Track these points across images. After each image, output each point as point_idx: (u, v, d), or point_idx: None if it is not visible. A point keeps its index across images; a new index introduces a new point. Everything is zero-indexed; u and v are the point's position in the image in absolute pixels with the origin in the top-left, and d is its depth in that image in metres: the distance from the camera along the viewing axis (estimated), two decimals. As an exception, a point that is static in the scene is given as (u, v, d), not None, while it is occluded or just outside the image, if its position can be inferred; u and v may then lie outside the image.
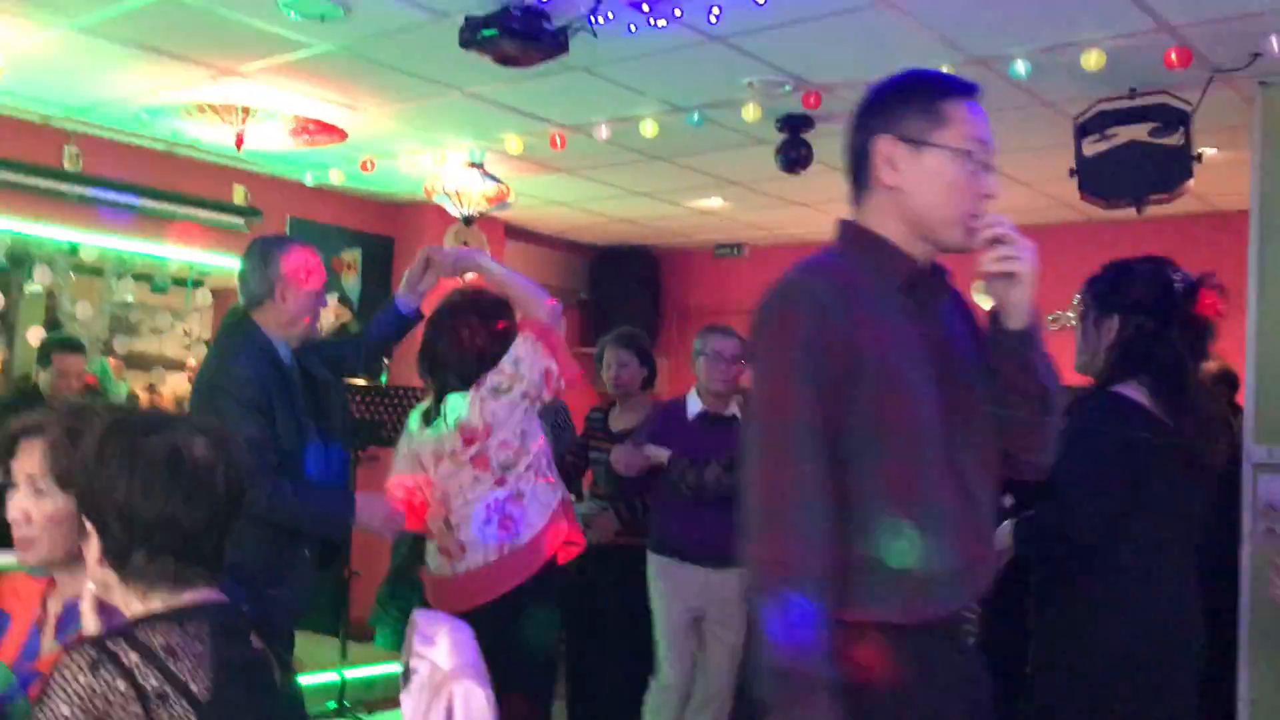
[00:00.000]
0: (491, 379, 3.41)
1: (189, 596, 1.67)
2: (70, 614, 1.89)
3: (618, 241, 9.15)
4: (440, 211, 7.12)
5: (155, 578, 1.66)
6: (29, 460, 1.94)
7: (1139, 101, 4.83)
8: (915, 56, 4.60)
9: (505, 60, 4.30)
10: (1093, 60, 4.37)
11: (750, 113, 5.25)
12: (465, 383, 3.45)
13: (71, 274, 6.55)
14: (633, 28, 4.20)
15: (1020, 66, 4.53)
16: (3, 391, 5.98)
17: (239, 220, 7.18)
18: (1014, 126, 5.48)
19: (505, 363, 3.41)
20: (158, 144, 6.62)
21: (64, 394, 5.44)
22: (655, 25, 4.13)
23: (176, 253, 6.95)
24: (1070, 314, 7.66)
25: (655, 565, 4.59)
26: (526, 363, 3.40)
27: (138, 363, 7.12)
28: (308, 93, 5.46)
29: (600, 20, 4.08)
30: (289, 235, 3.70)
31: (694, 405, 4.66)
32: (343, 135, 5.98)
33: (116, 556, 1.65)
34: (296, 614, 3.32)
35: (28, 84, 5.50)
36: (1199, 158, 4.74)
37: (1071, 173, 5.00)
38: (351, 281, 7.92)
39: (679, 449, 4.48)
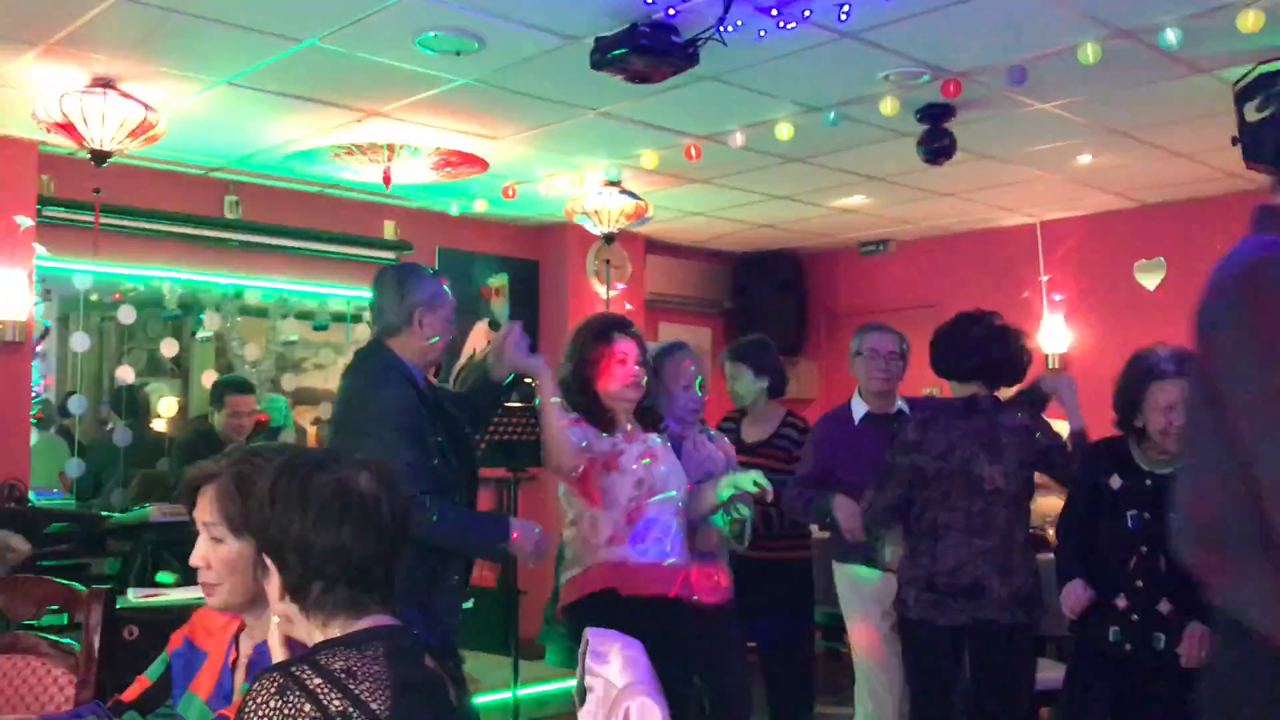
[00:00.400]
0: None
1: (365, 622, 1.73)
2: (261, 655, 1.96)
3: (760, 247, 9.09)
4: (581, 231, 7.21)
5: (333, 607, 1.72)
6: (204, 508, 2.03)
7: (1304, 59, 4.56)
8: (1057, 33, 4.45)
9: (636, 78, 4.33)
10: (1250, 21, 4.14)
11: (888, 107, 5.15)
12: None
13: (238, 317, 6.85)
14: (762, 33, 4.17)
15: (1171, 36, 4.32)
16: (181, 433, 6.28)
17: (391, 254, 7.41)
18: (1167, 97, 5.25)
19: None
20: (310, 186, 6.88)
21: (238, 432, 5.69)
22: (785, 28, 4.09)
23: (334, 290, 7.20)
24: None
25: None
26: None
27: (305, 397, 7.40)
28: (448, 126, 5.59)
29: (729, 29, 4.05)
30: (419, 264, 3.69)
31: (859, 409, 4.53)
32: (484, 165, 6.11)
33: (296, 590, 1.72)
34: (446, 634, 3.34)
35: (187, 139, 5.78)
36: (1378, 113, 4.44)
37: (1234, 141, 4.74)
38: (500, 306, 8.07)
39: (848, 455, 4.35)
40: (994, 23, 4.39)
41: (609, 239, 6.80)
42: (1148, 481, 3.35)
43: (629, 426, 3.62)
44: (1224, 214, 7.29)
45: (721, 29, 4.06)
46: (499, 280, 8.09)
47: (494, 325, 8.03)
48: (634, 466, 3.52)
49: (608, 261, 8.16)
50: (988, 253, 8.42)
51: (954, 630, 3.60)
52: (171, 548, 5.08)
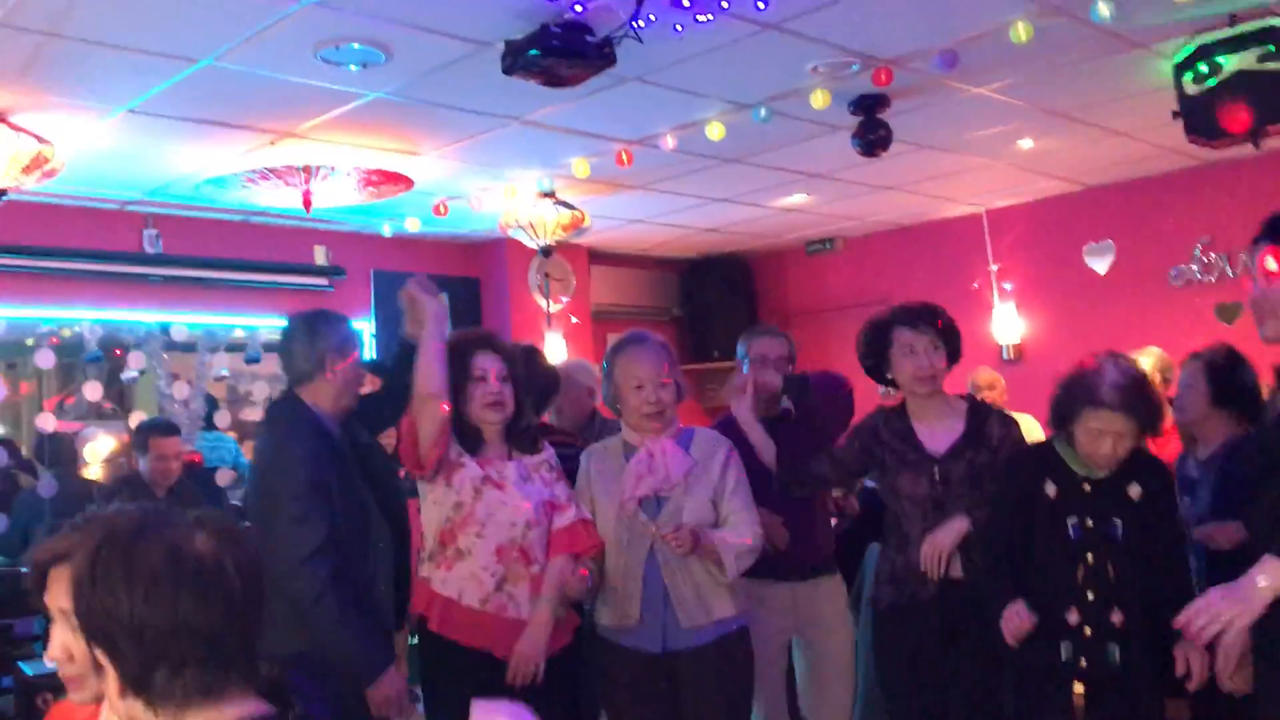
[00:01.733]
0: None
1: (230, 712, 1.49)
2: None
3: (706, 252, 8.91)
4: (521, 245, 6.99)
5: (184, 695, 1.47)
6: (58, 593, 1.77)
7: (1241, 28, 4.44)
8: (986, 10, 4.29)
9: (553, 81, 4.14)
10: (1185, -11, 4.01)
11: (819, 100, 4.97)
12: None
13: (164, 355, 6.58)
14: (679, 27, 3.99)
15: (1104, 8, 4.17)
16: (107, 482, 5.99)
17: (323, 280, 7.17)
18: (1104, 75, 5.11)
19: None
20: (233, 215, 6.63)
21: (164, 476, 5.43)
22: (701, 21, 3.90)
23: (264, 321, 6.94)
24: (1194, 267, 7.18)
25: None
26: None
27: (249, 431, 7.12)
28: (366, 144, 5.37)
29: (643, 24, 3.86)
30: (328, 310, 3.46)
31: None
32: (409, 182, 5.89)
33: (137, 682, 1.46)
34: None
35: (95, 172, 5.53)
36: (1317, 78, 4.32)
37: (1175, 115, 4.62)
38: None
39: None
40: (920, 5, 4.23)
41: (546, 252, 6.59)
42: (1085, 486, 3.13)
43: (496, 449, 3.32)
44: (1170, 191, 7.22)
45: (635, 25, 3.87)
46: (439, 301, 7.84)
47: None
48: (463, 486, 3.21)
49: (548, 275, 7.95)
50: (935, 245, 8.29)
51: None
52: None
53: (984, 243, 8.03)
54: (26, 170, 4.57)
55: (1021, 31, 4.35)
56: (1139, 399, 3.00)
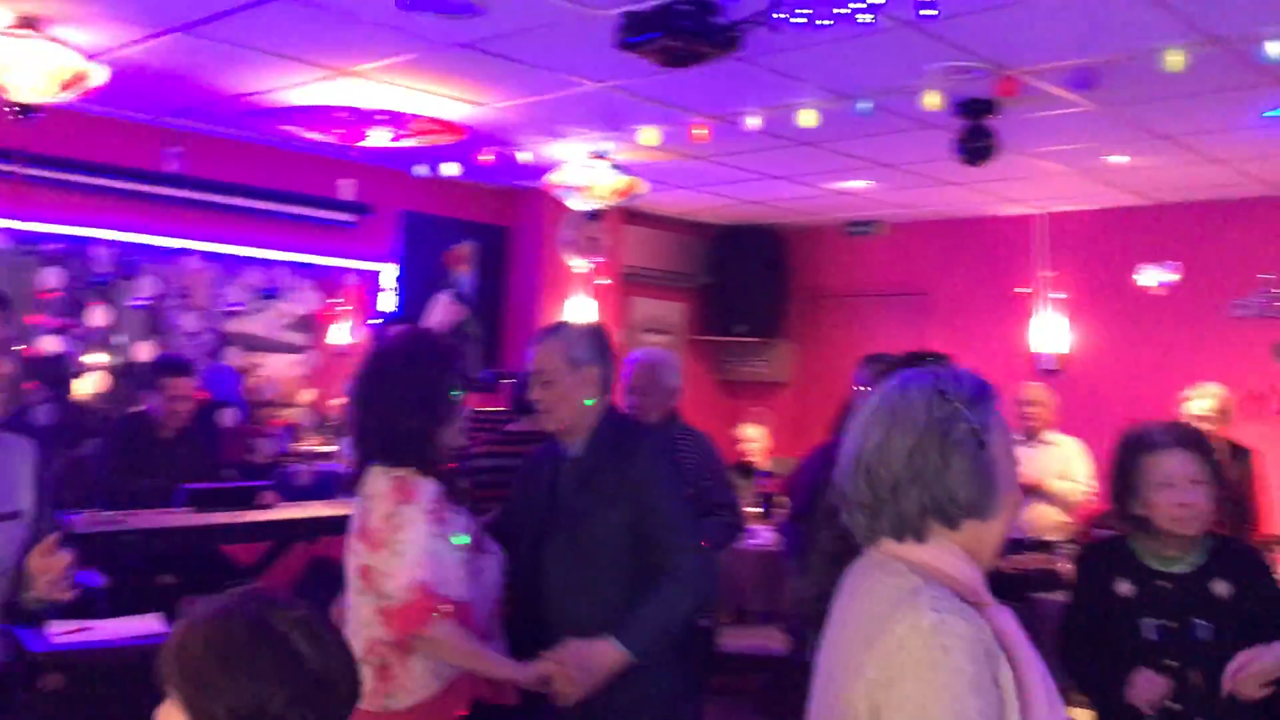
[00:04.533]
0: None
1: None
2: None
3: (740, 221, 8.51)
4: (554, 198, 6.57)
5: None
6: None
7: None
8: (1140, 33, 3.93)
9: (670, 62, 3.73)
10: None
11: (931, 99, 4.61)
12: None
13: (177, 283, 6.14)
14: (824, 22, 3.58)
15: (1272, 49, 3.82)
16: (116, 422, 5.56)
17: (349, 217, 6.73)
18: (1230, 104, 4.77)
19: None
20: (259, 139, 6.16)
21: (176, 419, 5.07)
22: (853, 19, 3.49)
23: (285, 255, 6.52)
24: (1257, 300, 6.89)
25: None
26: None
27: (252, 344, 6.68)
28: (429, 89, 4.94)
29: (786, 17, 3.46)
30: None
31: None
32: (464, 132, 5.46)
33: None
34: None
35: (127, 90, 5.05)
36: None
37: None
38: (465, 275, 7.44)
39: None
40: (1071, 21, 3.86)
41: (594, 216, 6.19)
42: (1164, 583, 2.85)
43: None
44: (1241, 217, 6.92)
45: (775, 16, 3.47)
46: (465, 247, 7.44)
47: (459, 297, 7.42)
48: None
49: (586, 235, 7.54)
50: (982, 241, 7.96)
51: None
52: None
53: (1030, 246, 7.71)
54: (66, 86, 4.12)
55: (1175, 60, 3.99)
56: (1196, 435, 2.80)
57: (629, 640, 2.58)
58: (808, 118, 4.97)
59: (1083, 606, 2.95)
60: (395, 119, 5.10)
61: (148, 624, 3.96)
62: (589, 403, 2.81)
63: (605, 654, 2.57)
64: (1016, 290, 7.73)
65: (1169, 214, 7.18)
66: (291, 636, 1.38)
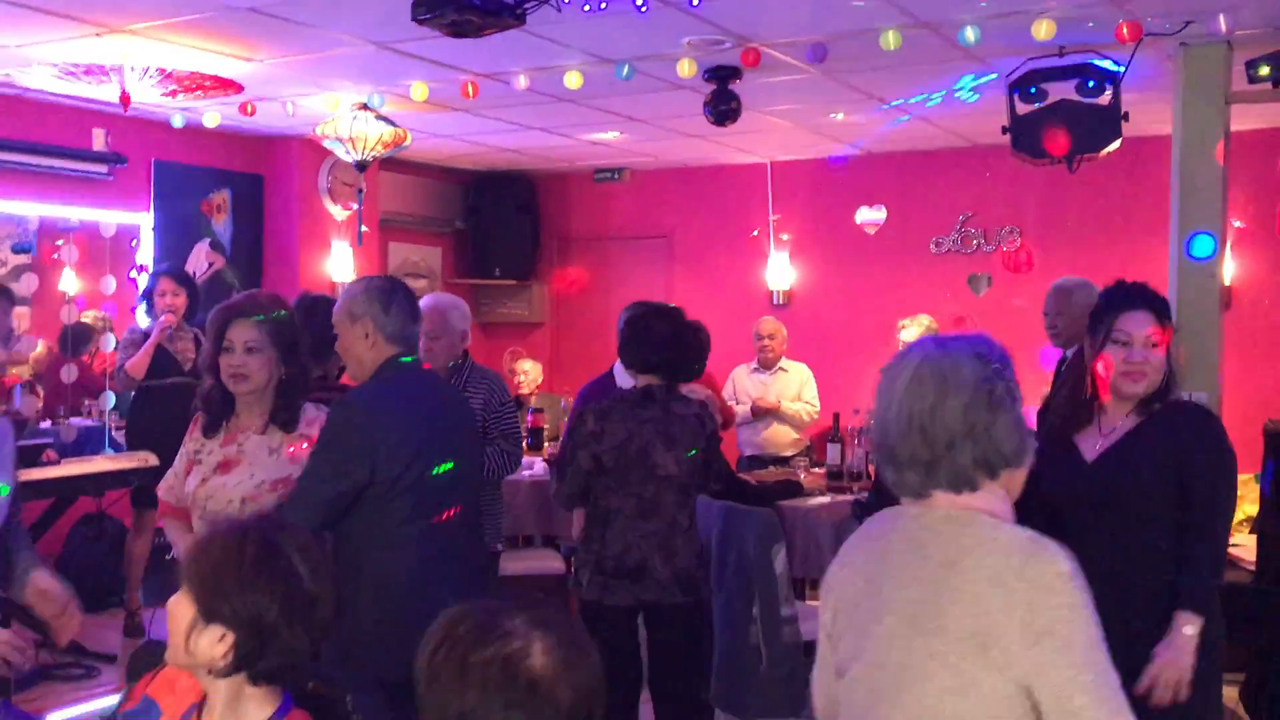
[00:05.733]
0: None
1: None
2: None
3: (494, 167, 8.84)
4: (311, 145, 6.68)
5: None
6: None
7: (1068, 60, 4.94)
8: (862, 15, 4.55)
9: (459, 33, 4.04)
10: (1043, 30, 4.42)
11: (686, 68, 5.12)
12: None
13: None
14: (601, 5, 3.99)
15: (970, 33, 4.54)
16: None
17: (103, 168, 6.60)
18: (939, 76, 5.54)
19: None
20: (4, 89, 5.97)
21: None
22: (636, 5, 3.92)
23: (36, 209, 6.34)
24: (954, 238, 7.86)
25: None
26: None
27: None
28: (201, 47, 5.00)
29: (568, -1, 3.85)
30: None
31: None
32: (239, 88, 5.53)
33: None
34: None
35: None
36: (1126, 117, 4.90)
37: (1004, 130, 5.10)
38: (223, 224, 7.43)
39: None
40: (807, 2, 4.44)
41: (362, 167, 6.38)
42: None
43: (248, 420, 3.21)
44: (941, 166, 7.87)
45: (560, -2, 3.85)
46: (221, 196, 7.43)
47: (216, 246, 7.42)
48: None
49: (341, 181, 7.67)
50: (720, 188, 8.64)
51: (625, 610, 3.73)
52: None
53: (765, 192, 8.46)
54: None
55: (891, 40, 4.65)
56: None
57: None
58: (573, 79, 5.37)
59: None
60: (169, 76, 5.12)
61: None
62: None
63: None
64: (754, 233, 8.46)
65: (879, 162, 8.06)
66: (294, 559, 1.72)
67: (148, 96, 5.33)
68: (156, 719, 1.97)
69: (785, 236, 8.40)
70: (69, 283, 6.54)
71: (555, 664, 1.46)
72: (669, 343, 3.81)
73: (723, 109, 5.38)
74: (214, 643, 1.73)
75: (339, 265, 7.79)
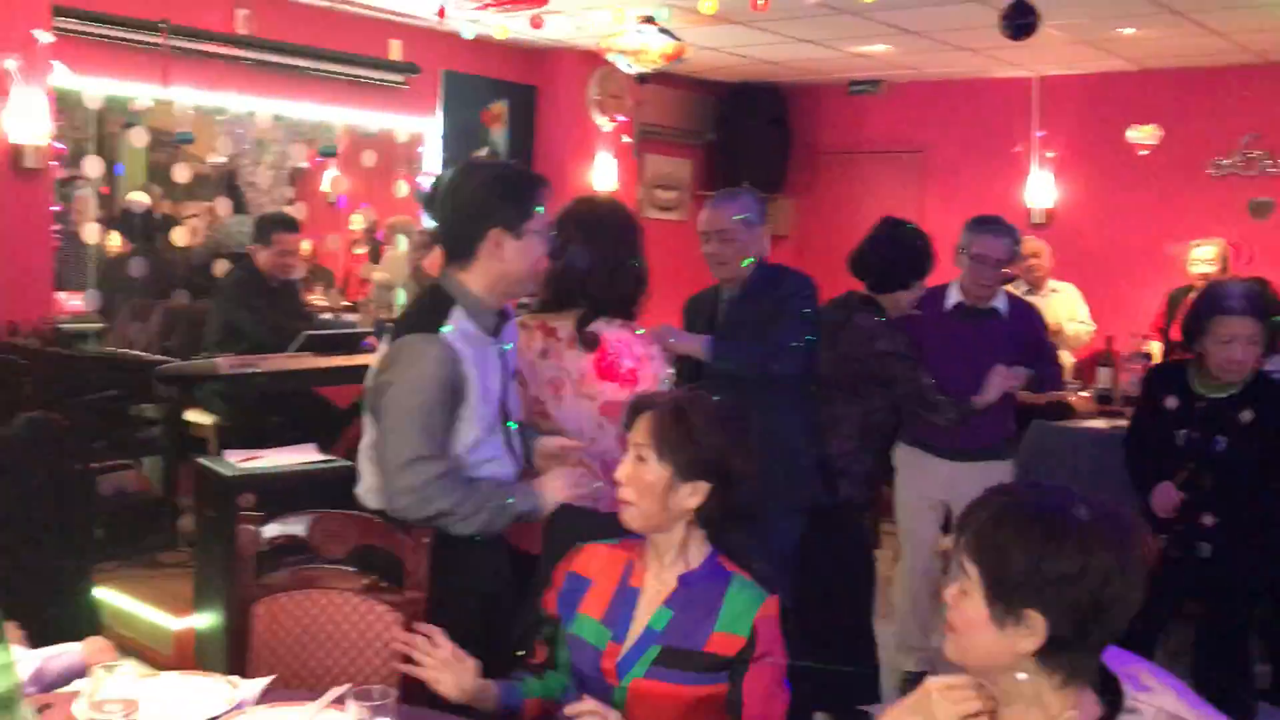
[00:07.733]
0: None
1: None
2: (687, 582, 2.10)
3: (747, 78, 8.89)
4: (583, 56, 6.85)
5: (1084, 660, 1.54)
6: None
7: None
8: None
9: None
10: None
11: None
12: None
13: (250, 143, 6.45)
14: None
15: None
16: (226, 275, 5.90)
17: (399, 77, 7.02)
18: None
19: None
20: (319, 1, 6.40)
21: (283, 271, 5.47)
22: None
23: (340, 114, 6.81)
24: (1235, 160, 7.54)
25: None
26: None
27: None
28: (517, -40, 5.26)
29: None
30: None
31: (953, 296, 4.33)
32: (542, 1, 5.78)
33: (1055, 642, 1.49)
34: None
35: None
36: None
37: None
38: (500, 133, 7.79)
39: (935, 342, 4.36)
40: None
41: (642, 80, 6.58)
42: (1201, 404, 3.57)
43: None
44: (1223, 83, 7.52)
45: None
46: (499, 106, 7.78)
47: (493, 154, 7.79)
48: None
49: (610, 94, 7.90)
50: (979, 103, 8.48)
51: None
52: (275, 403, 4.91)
53: (1028, 108, 8.26)
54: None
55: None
56: (1263, 303, 3.47)
57: None
58: (869, -10, 5.39)
59: (1141, 416, 3.81)
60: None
61: (306, 453, 4.46)
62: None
63: None
64: (1016, 150, 8.29)
65: (1154, 79, 7.75)
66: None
67: (461, 8, 5.63)
68: (586, 589, 2.17)
69: (1050, 154, 8.20)
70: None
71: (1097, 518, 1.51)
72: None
73: (1020, 24, 5.31)
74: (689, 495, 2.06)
75: (603, 175, 8.06)
